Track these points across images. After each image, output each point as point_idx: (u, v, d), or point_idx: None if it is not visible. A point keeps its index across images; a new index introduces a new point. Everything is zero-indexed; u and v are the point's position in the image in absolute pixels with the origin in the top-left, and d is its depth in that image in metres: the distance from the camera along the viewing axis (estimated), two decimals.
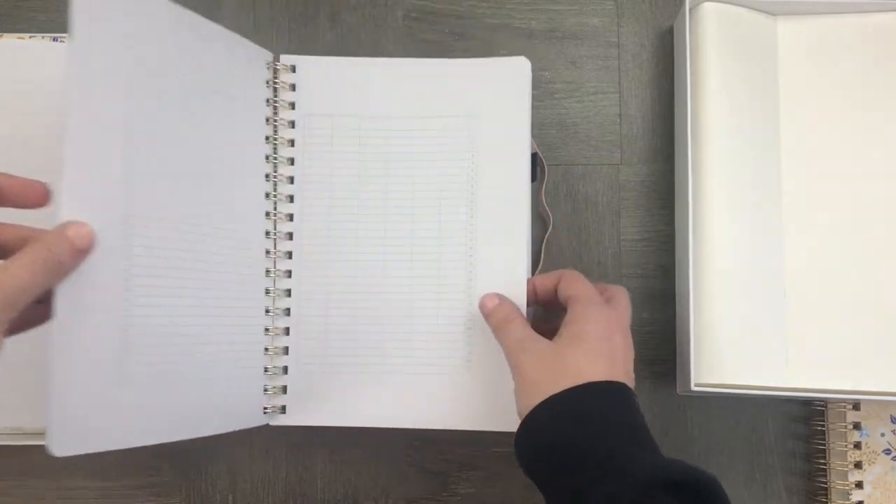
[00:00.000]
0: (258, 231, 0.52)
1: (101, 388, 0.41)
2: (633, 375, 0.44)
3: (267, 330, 0.52)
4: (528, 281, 0.50)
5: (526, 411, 0.41)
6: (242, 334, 0.50)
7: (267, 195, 0.52)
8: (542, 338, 0.44)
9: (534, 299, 0.50)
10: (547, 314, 0.51)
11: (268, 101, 0.53)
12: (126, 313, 0.42)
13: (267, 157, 0.52)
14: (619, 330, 0.44)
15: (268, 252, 0.52)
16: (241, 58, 0.51)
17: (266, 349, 0.52)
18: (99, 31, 0.41)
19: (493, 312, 0.47)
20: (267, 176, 0.52)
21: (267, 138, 0.53)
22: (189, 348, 0.46)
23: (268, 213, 0.52)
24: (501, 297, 0.48)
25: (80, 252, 0.39)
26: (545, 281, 0.48)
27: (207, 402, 0.48)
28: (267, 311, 0.52)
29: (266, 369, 0.52)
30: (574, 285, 0.46)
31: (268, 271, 0.52)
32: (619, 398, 0.41)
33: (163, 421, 0.45)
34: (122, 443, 0.42)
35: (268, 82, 0.53)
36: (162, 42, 0.45)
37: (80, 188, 0.40)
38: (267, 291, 0.52)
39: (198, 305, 0.47)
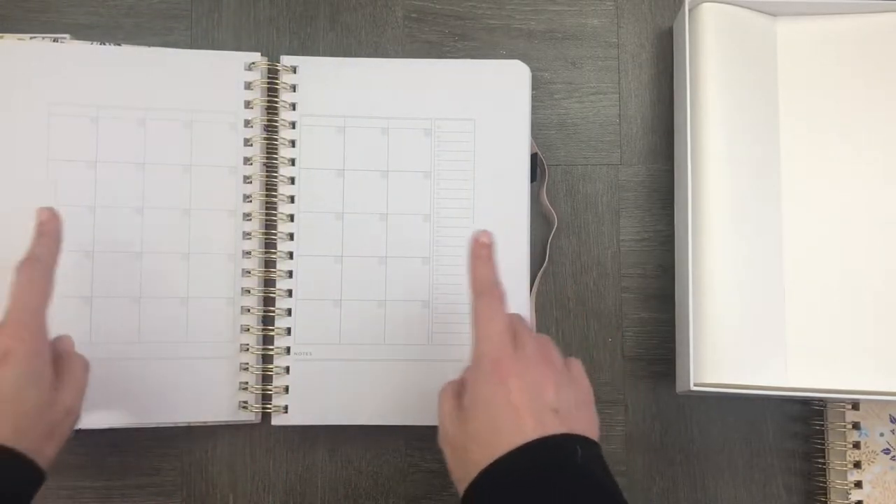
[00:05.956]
0: (229, 234, 0.53)
1: None
2: None
3: (248, 329, 0.53)
4: None
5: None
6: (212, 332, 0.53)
7: (246, 197, 0.53)
8: None
9: None
10: None
11: (247, 102, 0.54)
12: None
13: (247, 160, 0.53)
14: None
15: (247, 253, 0.53)
16: (202, 73, 0.53)
17: (247, 347, 0.53)
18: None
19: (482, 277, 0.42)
20: (247, 178, 0.53)
21: (247, 141, 0.53)
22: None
23: (247, 215, 0.53)
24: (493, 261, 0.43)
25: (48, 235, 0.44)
26: None
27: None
28: (249, 310, 0.53)
29: (247, 367, 0.52)
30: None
31: (248, 272, 0.53)
32: None
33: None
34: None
35: (248, 84, 0.54)
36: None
37: None
38: (248, 291, 0.53)
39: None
